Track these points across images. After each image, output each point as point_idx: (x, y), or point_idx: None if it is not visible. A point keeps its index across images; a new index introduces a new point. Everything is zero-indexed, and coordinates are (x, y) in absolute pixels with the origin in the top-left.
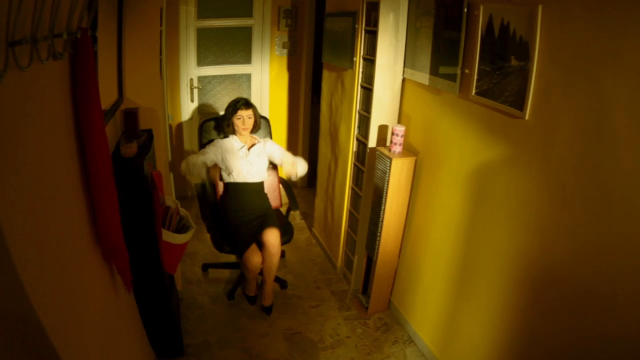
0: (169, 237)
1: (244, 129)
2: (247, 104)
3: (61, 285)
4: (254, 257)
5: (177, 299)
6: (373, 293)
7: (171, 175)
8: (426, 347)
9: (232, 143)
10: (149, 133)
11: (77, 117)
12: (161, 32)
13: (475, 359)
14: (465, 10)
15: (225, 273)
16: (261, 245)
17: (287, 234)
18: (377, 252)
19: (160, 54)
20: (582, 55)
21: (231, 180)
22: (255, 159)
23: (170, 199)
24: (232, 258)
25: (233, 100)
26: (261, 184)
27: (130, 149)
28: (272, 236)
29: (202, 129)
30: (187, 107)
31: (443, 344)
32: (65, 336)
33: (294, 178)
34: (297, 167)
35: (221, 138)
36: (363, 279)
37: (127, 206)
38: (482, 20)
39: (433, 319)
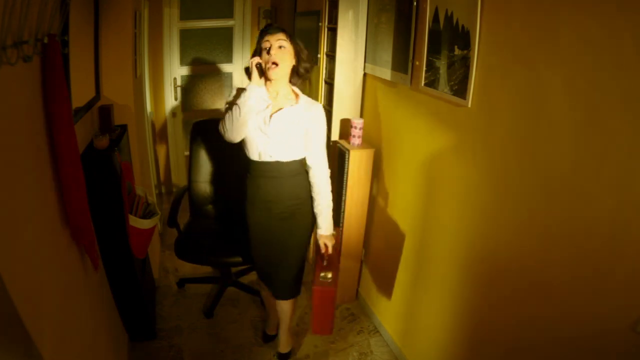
0: (135, 222)
1: (271, 68)
2: (277, 27)
3: (24, 249)
4: (263, 291)
5: (153, 286)
6: (339, 283)
7: (153, 167)
8: (390, 338)
9: (259, 95)
10: (123, 128)
11: (47, 111)
12: (135, 34)
13: (434, 348)
14: (415, 3)
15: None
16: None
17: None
18: (340, 243)
19: (135, 54)
20: (519, 40)
21: (251, 157)
22: (278, 131)
23: (140, 187)
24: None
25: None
26: (293, 165)
27: (102, 142)
28: (284, 305)
29: (194, 132)
30: (171, 105)
31: (405, 334)
32: (24, 292)
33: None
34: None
35: None
36: None
37: (98, 192)
38: (429, 12)
39: (396, 309)
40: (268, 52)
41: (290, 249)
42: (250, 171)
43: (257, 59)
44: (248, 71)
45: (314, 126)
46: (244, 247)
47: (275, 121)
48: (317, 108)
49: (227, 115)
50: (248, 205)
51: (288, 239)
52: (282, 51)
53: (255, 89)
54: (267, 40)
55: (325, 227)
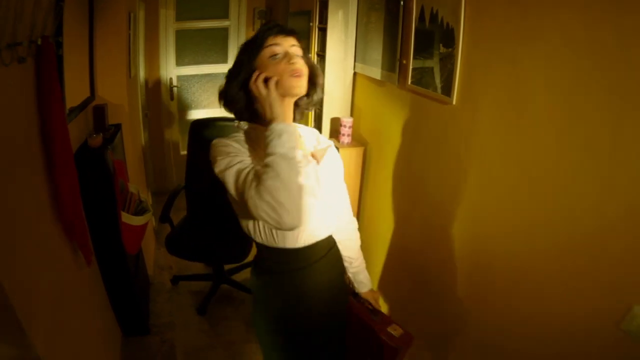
0: (127, 218)
1: (295, 76)
2: (286, 29)
3: (18, 245)
4: None
5: (147, 282)
6: None
7: (150, 166)
8: None
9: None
10: (117, 127)
11: (41, 111)
12: (130, 35)
13: (429, 347)
14: (402, 2)
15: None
16: None
17: None
18: None
19: (130, 54)
20: (503, 38)
21: (280, 245)
22: (327, 190)
23: (133, 185)
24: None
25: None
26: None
27: (96, 140)
28: None
29: (192, 131)
30: (167, 105)
31: None
32: (17, 287)
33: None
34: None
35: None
36: None
37: (91, 189)
38: (416, 11)
39: (385, 304)
40: (288, 60)
41: (337, 334)
42: (273, 265)
43: (261, 73)
44: (229, 98)
45: (340, 171)
46: (234, 245)
47: (323, 175)
48: (333, 146)
49: (275, 186)
50: (273, 317)
51: (335, 325)
52: (301, 62)
53: (290, 128)
54: (278, 44)
55: (367, 282)
